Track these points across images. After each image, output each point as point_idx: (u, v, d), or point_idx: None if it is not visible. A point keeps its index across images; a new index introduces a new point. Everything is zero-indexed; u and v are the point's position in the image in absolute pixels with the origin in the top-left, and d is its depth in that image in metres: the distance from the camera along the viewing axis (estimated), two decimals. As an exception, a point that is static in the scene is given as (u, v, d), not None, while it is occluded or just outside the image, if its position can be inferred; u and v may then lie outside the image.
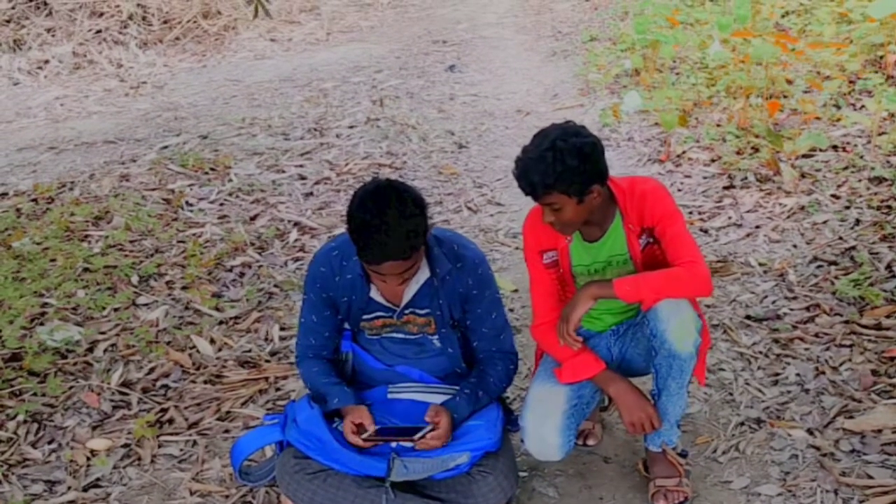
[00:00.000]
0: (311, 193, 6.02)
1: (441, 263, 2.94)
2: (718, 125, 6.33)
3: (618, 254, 2.97)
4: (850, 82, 6.61)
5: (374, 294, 2.98)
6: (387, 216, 2.63)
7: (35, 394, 3.80)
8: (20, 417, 3.66)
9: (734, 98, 6.68)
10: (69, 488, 3.30)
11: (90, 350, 4.16)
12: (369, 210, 2.66)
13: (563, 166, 2.67)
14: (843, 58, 6.77)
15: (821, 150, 5.66)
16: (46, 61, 10.11)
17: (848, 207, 4.95)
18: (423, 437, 2.80)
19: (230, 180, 6.23)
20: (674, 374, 2.85)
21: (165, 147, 7.12)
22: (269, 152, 6.84)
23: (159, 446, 3.53)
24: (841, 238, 4.63)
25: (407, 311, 3.01)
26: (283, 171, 6.44)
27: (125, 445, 3.53)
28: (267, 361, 4.04)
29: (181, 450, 3.51)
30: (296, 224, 5.51)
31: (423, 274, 2.95)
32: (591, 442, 3.38)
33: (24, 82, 9.76)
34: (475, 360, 3.12)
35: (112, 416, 3.72)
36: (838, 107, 6.29)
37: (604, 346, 3.14)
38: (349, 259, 2.89)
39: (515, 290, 4.57)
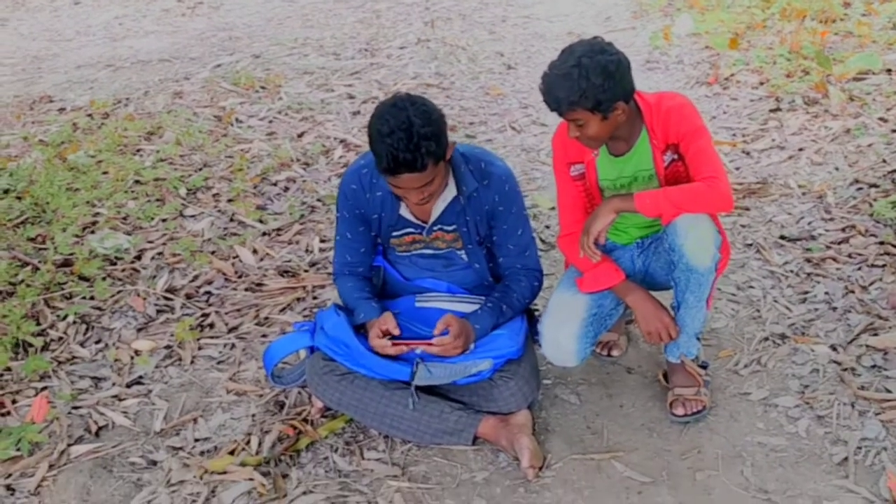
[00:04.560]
0: (359, 112, 6.08)
1: (468, 181, 2.99)
2: (770, 48, 6.24)
3: (644, 169, 2.99)
4: (910, 5, 6.47)
5: (404, 211, 3.05)
6: (402, 128, 2.67)
7: (84, 297, 3.96)
8: (70, 318, 3.82)
9: (788, 21, 6.57)
10: (113, 384, 3.46)
11: (138, 258, 4.30)
12: (386, 122, 2.70)
13: (587, 83, 2.69)
14: (904, -21, 6.61)
15: (873, 74, 5.57)
16: (107, -19, 10.22)
17: (895, 131, 4.88)
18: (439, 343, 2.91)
19: (280, 98, 6.32)
20: (692, 288, 2.89)
21: (218, 66, 7.22)
22: (320, 72, 6.91)
23: (199, 348, 3.67)
24: (884, 161, 4.59)
25: (435, 228, 3.08)
26: (333, 91, 6.50)
27: (167, 347, 3.67)
28: (306, 271, 4.16)
29: (220, 352, 3.64)
30: (342, 141, 5.59)
31: (450, 192, 3.00)
32: (615, 353, 3.44)
33: (85, 2, 9.90)
34: (501, 276, 3.19)
35: (156, 319, 3.86)
36: None
37: (628, 258, 3.19)
38: (379, 176, 2.93)
39: (553, 208, 4.61)
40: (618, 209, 2.87)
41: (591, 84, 2.70)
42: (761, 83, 5.81)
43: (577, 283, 3.04)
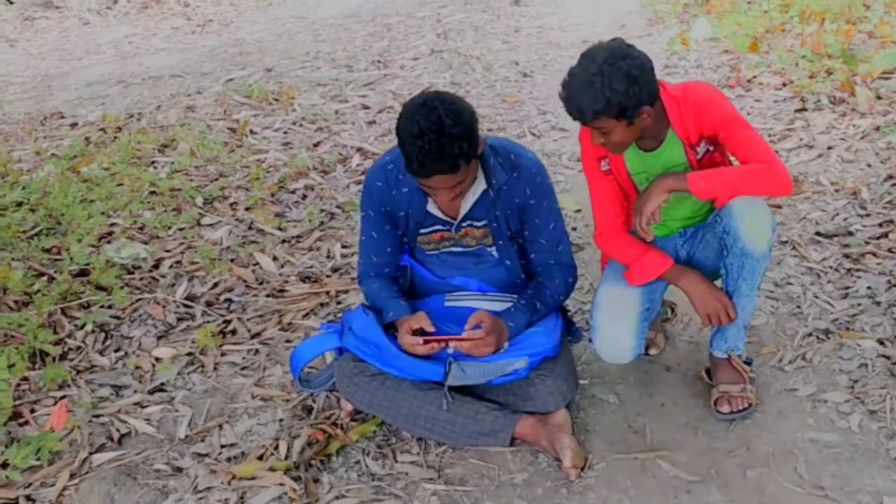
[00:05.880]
0: (374, 122, 6.00)
1: (497, 174, 2.88)
2: (791, 50, 6.15)
3: (677, 164, 2.87)
4: (932, 4, 6.38)
5: (432, 207, 2.93)
6: (433, 129, 2.55)
7: (102, 306, 3.85)
8: (88, 327, 3.71)
9: (808, 24, 6.48)
10: (135, 392, 3.35)
11: (156, 266, 4.20)
12: (416, 123, 2.58)
13: (611, 91, 2.56)
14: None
15: (898, 72, 5.48)
16: (115, 1, 10.21)
17: (925, 127, 4.78)
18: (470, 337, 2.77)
19: (294, 110, 6.24)
20: (745, 275, 2.77)
21: (230, 80, 7.16)
22: (333, 83, 6.83)
23: (222, 355, 3.56)
24: (917, 157, 4.49)
25: (465, 224, 2.96)
26: (347, 101, 6.42)
27: (189, 354, 3.56)
28: (328, 277, 4.05)
29: (243, 358, 3.53)
30: (358, 149, 5.50)
31: (480, 185, 2.88)
32: (652, 351, 3.33)
33: (94, 22, 9.88)
34: (533, 272, 3.08)
35: (176, 327, 3.76)
36: (918, 29, 6.06)
37: (671, 248, 3.07)
38: (405, 172, 2.79)
39: (578, 210, 4.50)
40: (670, 188, 2.73)
41: (614, 91, 2.56)
42: (784, 84, 5.71)
43: (626, 276, 2.92)
